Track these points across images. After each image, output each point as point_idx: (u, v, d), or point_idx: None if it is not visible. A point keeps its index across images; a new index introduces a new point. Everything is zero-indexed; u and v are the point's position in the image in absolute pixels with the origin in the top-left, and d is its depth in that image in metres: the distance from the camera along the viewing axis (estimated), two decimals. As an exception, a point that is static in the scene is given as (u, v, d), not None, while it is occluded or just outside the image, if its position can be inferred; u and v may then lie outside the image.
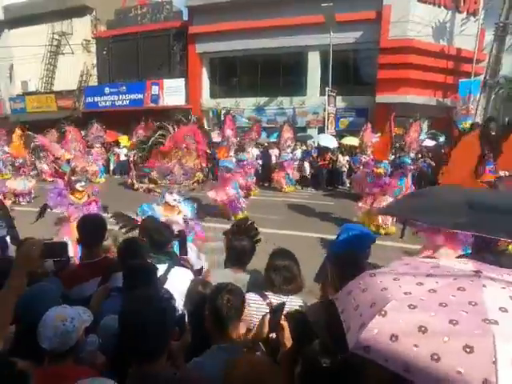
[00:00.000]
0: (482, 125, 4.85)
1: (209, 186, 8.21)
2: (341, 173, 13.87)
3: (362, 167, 11.66)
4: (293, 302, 2.04)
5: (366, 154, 11.62)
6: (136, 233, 3.01)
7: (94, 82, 23.27)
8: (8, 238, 3.32)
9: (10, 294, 1.30)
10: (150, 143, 3.51)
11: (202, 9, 18.83)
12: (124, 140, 16.78)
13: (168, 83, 20.23)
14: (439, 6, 16.11)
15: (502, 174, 5.03)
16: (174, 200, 3.74)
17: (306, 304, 2.10)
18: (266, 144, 14.96)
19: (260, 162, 13.30)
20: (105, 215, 3.46)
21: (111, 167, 16.80)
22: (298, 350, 1.37)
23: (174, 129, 3.58)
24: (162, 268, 2.29)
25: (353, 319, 0.95)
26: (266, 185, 13.12)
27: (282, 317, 1.52)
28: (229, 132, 9.06)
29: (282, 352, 1.42)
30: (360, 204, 7.98)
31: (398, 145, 8.25)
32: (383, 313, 0.85)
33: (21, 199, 9.95)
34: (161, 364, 1.30)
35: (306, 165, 13.74)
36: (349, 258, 2.07)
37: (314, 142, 15.20)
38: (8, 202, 8.06)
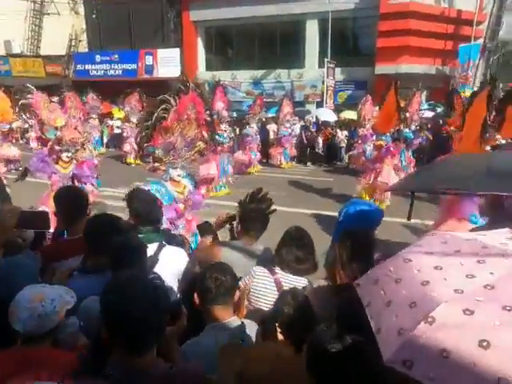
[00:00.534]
0: (489, 82, 4.70)
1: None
2: (339, 148, 13.73)
3: (359, 141, 11.63)
4: (299, 282, 2.00)
5: (365, 128, 11.49)
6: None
7: (84, 47, 22.30)
8: None
9: None
10: (153, 120, 3.34)
11: (196, -28, 17.94)
12: (117, 112, 16.31)
13: (162, 53, 19.48)
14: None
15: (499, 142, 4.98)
16: (178, 175, 3.64)
17: (311, 285, 2.05)
18: (263, 119, 14.68)
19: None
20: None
21: (104, 140, 16.41)
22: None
23: (175, 101, 3.41)
24: (152, 247, 2.08)
25: (385, 319, 0.78)
26: (264, 161, 12.99)
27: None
28: (219, 105, 8.72)
29: None
30: (360, 179, 7.89)
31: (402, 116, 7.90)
32: (430, 319, 0.67)
33: (12, 166, 9.65)
34: (151, 356, 1.12)
35: (320, 140, 13.43)
36: (360, 237, 2.00)
37: (312, 117, 14.95)
38: (1, 170, 7.83)
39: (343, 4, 15.91)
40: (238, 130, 12.26)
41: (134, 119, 12.57)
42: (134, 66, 19.96)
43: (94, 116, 13.77)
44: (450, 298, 0.69)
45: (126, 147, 12.67)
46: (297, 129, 13.31)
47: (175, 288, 2.18)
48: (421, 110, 10.76)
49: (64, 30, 21.90)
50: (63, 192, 2.40)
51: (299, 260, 2.04)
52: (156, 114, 3.40)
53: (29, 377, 1.13)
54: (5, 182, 4.64)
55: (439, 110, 13.94)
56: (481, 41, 15.23)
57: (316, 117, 14.66)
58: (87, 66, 21.00)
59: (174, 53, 19.49)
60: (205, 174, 8.33)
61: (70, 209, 2.17)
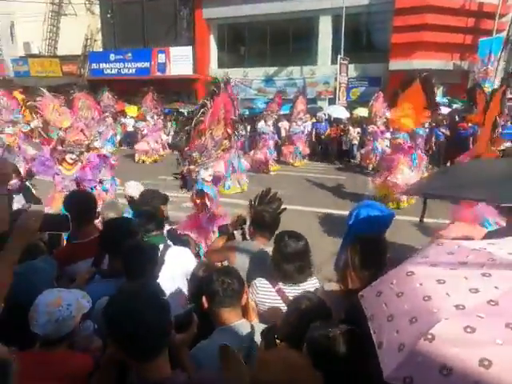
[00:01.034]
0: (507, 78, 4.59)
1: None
2: (351, 146, 13.58)
3: (370, 138, 11.53)
4: (307, 287, 1.99)
5: (376, 125, 11.33)
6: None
7: (98, 47, 22.63)
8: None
9: (6, 264, 1.20)
10: (193, 123, 3.41)
11: (208, -30, 17.91)
12: (131, 110, 16.50)
13: (175, 51, 19.57)
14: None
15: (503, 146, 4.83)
16: (210, 175, 3.74)
17: (322, 287, 2.05)
18: (275, 116, 14.61)
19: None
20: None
21: (118, 138, 16.65)
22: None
23: (211, 104, 3.46)
24: None
25: (386, 334, 0.76)
26: (275, 159, 12.99)
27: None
28: (230, 103, 8.74)
29: None
30: (374, 178, 7.79)
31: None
32: (430, 337, 0.65)
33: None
34: (162, 362, 1.13)
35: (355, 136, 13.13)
36: (372, 242, 1.99)
37: (324, 114, 14.82)
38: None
39: (357, 0, 15.62)
40: (248, 127, 12.27)
41: (149, 118, 12.70)
42: (146, 65, 20.12)
43: (107, 114, 14.05)
44: (451, 315, 0.67)
45: (143, 146, 12.79)
46: (308, 126, 13.21)
47: (184, 289, 2.21)
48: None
49: (80, 30, 22.26)
50: (72, 196, 2.47)
51: (300, 268, 2.02)
52: (195, 119, 3.46)
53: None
54: (27, 183, 4.75)
55: (455, 105, 13.62)
56: (503, 34, 14.69)
57: (328, 114, 14.53)
58: (102, 65, 21.28)
59: (187, 51, 19.56)
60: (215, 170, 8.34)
61: (78, 212, 2.18)
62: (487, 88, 10.22)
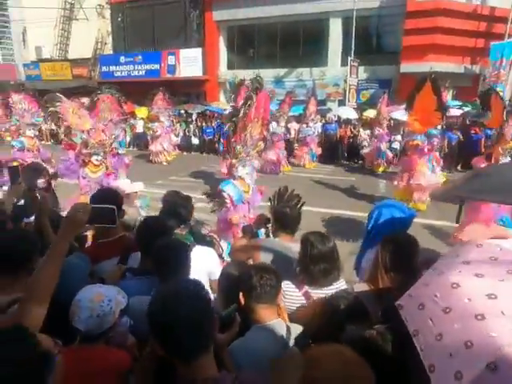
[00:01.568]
0: None
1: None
2: (362, 147, 13.51)
3: (375, 140, 11.53)
4: (335, 290, 1.94)
5: (382, 127, 11.41)
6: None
7: (109, 50, 22.88)
8: None
9: (57, 255, 1.22)
10: (241, 114, 3.39)
11: (218, -27, 18.02)
12: (141, 111, 16.61)
13: (184, 53, 19.69)
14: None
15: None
16: (247, 173, 3.71)
17: (352, 289, 2.00)
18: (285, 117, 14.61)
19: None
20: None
21: (127, 139, 16.76)
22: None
23: (255, 97, 3.48)
24: None
25: (437, 356, 0.69)
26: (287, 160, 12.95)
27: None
28: (243, 104, 8.74)
29: None
30: (395, 182, 7.73)
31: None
32: (492, 366, 0.59)
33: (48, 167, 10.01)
34: (207, 361, 1.11)
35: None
36: (403, 242, 1.96)
37: (334, 116, 14.78)
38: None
39: (368, 2, 15.61)
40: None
41: (163, 118, 12.73)
42: (156, 67, 20.26)
43: (128, 117, 14.19)
44: None
45: (157, 147, 12.82)
46: (318, 127, 13.20)
47: (207, 287, 2.20)
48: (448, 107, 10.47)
49: (90, 33, 22.58)
50: (99, 194, 2.44)
51: (326, 271, 1.97)
52: (243, 110, 3.45)
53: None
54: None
55: (466, 109, 13.51)
56: (515, 38, 14.59)
57: (337, 115, 14.51)
58: (112, 68, 21.48)
59: (196, 52, 19.66)
60: (226, 172, 8.35)
61: None
62: (501, 92, 10.11)
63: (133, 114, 17.05)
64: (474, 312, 0.67)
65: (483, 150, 10.99)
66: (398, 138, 12.34)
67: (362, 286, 2.03)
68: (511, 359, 0.59)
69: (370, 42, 17.53)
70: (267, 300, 1.57)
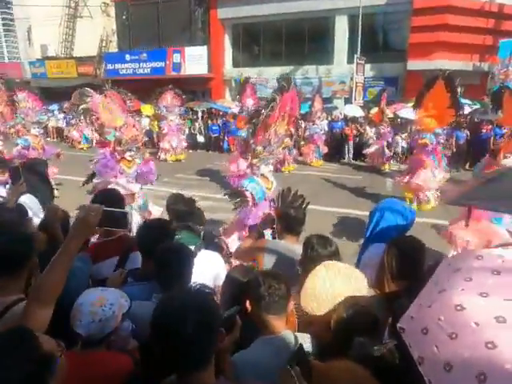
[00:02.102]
0: None
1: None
2: (368, 145, 13.41)
3: (379, 138, 11.49)
4: None
5: (385, 125, 11.45)
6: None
7: (114, 48, 22.92)
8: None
9: (66, 257, 1.20)
10: (262, 117, 3.35)
11: (223, -30, 17.95)
12: (146, 109, 16.61)
13: (190, 51, 19.66)
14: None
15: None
16: (270, 171, 3.72)
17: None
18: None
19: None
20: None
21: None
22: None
23: (280, 98, 3.42)
24: None
25: None
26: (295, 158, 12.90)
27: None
28: (249, 101, 8.68)
29: None
30: (398, 178, 7.70)
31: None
32: None
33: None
34: (208, 372, 1.06)
35: (399, 140, 12.73)
36: (408, 245, 1.92)
37: (340, 113, 14.69)
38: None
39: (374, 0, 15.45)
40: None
41: (171, 117, 12.67)
42: (161, 64, 20.24)
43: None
44: None
45: (164, 145, 12.79)
46: (324, 125, 13.12)
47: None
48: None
49: (95, 31, 22.63)
50: (103, 195, 2.42)
51: None
52: (265, 112, 3.41)
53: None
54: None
55: (475, 107, 13.35)
56: (525, 36, 14.37)
57: (343, 113, 14.43)
58: (117, 66, 21.52)
59: (202, 50, 19.62)
60: (235, 170, 8.32)
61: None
62: (511, 89, 9.96)
63: (138, 112, 17.08)
64: (483, 339, 0.62)
65: (492, 147, 10.86)
66: (404, 136, 12.27)
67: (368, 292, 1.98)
68: None
69: (377, 39, 17.39)
70: (276, 311, 1.49)
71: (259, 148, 3.59)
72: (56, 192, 4.62)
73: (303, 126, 12.52)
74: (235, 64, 19.96)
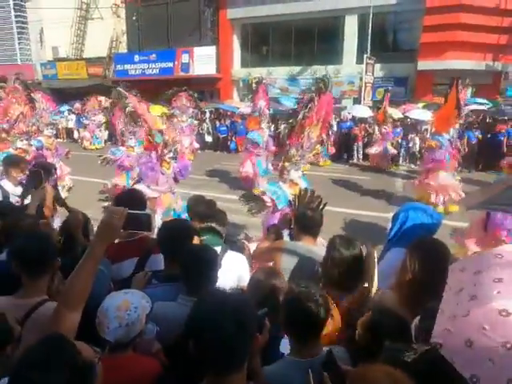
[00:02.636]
0: None
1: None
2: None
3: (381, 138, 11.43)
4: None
5: (387, 125, 11.44)
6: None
7: (123, 48, 23.10)
8: None
9: (92, 262, 1.20)
10: (300, 118, 3.28)
11: (233, -29, 17.97)
12: (155, 109, 16.65)
13: (198, 51, 19.70)
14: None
15: None
16: (299, 177, 3.62)
17: (379, 297, 1.91)
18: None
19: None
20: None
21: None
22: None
23: (317, 100, 3.34)
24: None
25: None
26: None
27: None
28: (262, 103, 8.63)
29: None
30: (413, 180, 7.65)
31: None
32: None
33: None
34: (240, 375, 1.05)
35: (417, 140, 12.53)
36: (433, 247, 1.87)
37: (349, 113, 14.59)
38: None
39: (385, -1, 15.32)
40: (272, 126, 12.14)
41: (185, 117, 12.63)
42: (170, 65, 20.30)
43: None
44: None
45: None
46: (334, 126, 13.04)
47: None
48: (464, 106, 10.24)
49: (106, 33, 22.83)
50: (125, 196, 2.43)
51: (351, 277, 1.88)
52: (302, 113, 3.34)
53: None
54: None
55: (487, 107, 13.15)
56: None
57: (352, 114, 14.33)
58: (126, 66, 21.65)
59: (210, 50, 19.65)
60: (241, 171, 8.36)
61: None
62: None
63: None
64: None
65: (505, 149, 10.68)
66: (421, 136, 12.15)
67: (389, 295, 1.95)
68: None
69: (387, 39, 17.25)
70: (312, 337, 1.40)
71: (293, 151, 3.49)
72: (66, 193, 4.60)
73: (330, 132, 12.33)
74: (244, 64, 19.97)
